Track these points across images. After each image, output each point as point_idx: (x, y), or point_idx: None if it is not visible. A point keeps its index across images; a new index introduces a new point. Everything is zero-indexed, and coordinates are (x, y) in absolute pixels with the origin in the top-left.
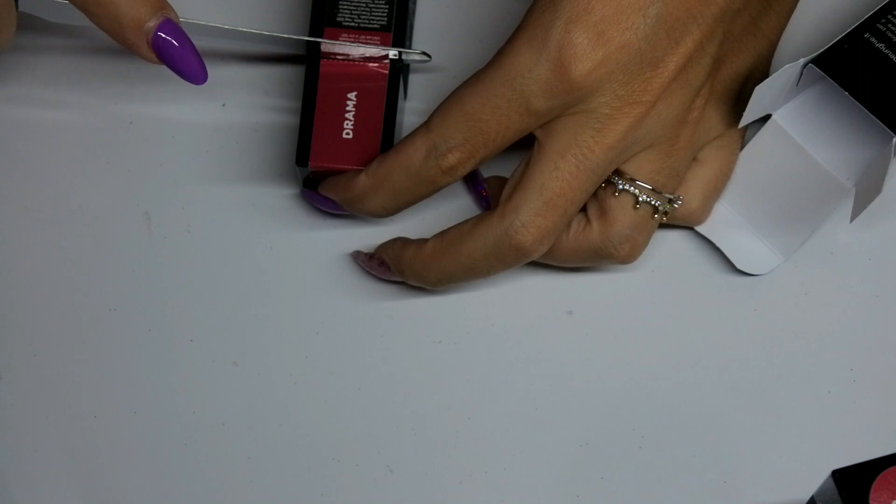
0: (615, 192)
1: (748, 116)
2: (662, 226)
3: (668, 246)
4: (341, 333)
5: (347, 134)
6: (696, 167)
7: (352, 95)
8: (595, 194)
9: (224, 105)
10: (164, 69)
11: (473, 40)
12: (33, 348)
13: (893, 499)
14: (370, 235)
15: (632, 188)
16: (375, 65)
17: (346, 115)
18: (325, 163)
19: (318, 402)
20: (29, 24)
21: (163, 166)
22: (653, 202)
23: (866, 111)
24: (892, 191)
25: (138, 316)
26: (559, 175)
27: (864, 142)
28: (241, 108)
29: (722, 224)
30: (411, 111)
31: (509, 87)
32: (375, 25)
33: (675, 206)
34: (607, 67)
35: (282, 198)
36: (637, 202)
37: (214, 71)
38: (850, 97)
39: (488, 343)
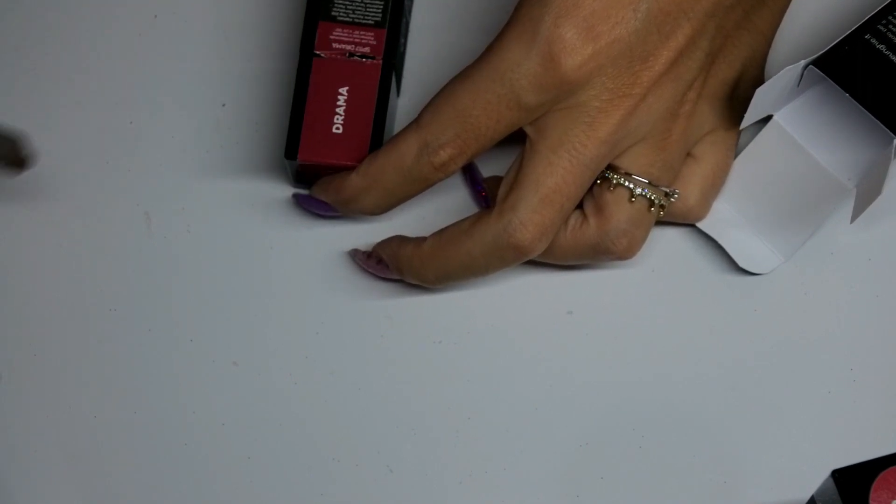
0: (610, 187)
1: (749, 118)
2: (664, 223)
3: (668, 246)
4: (341, 333)
5: (337, 129)
6: (693, 163)
7: (343, 90)
8: (591, 191)
9: (224, 105)
10: (164, 69)
11: (470, 38)
12: (33, 348)
13: (893, 499)
14: (370, 234)
15: (627, 182)
16: (368, 61)
17: (337, 111)
18: (314, 157)
19: (318, 402)
20: (29, 25)
21: (163, 166)
22: (649, 195)
23: (867, 113)
24: (892, 191)
25: (138, 316)
26: (553, 171)
27: (865, 143)
28: (241, 108)
29: (724, 223)
30: (405, 108)
31: (499, 83)
32: (370, 21)
33: (672, 199)
34: (597, 62)
35: (282, 198)
36: (633, 196)
37: (214, 71)
38: (851, 99)
39: (488, 343)
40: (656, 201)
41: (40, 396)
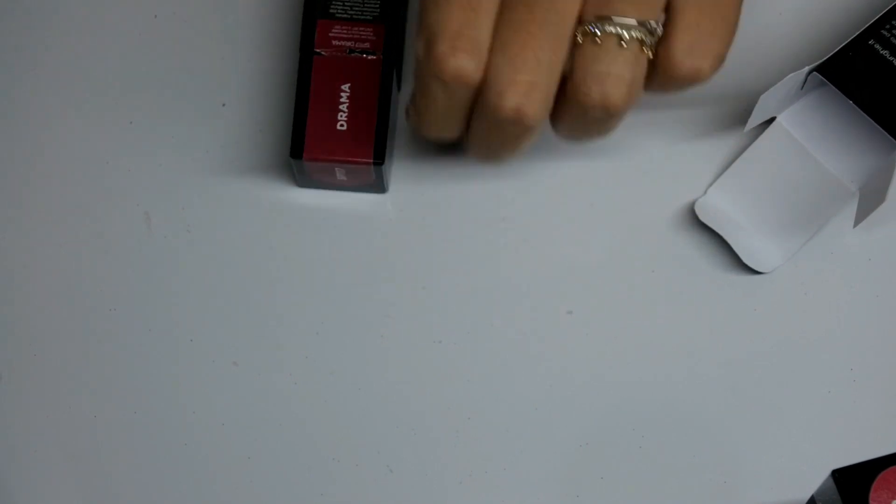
0: (584, 37)
1: (753, 121)
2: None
3: (668, 246)
4: (341, 333)
5: (342, 126)
6: (674, 13)
7: (345, 87)
8: (573, 51)
9: (224, 105)
10: (164, 69)
11: None
12: (33, 348)
13: (893, 499)
14: (370, 235)
15: (608, 27)
16: (369, 56)
17: (340, 107)
18: (319, 155)
19: (318, 402)
20: (29, 25)
21: (163, 166)
22: (632, 35)
23: (871, 120)
24: (893, 193)
25: (138, 316)
26: (518, 27)
27: (868, 147)
28: (241, 107)
29: (727, 221)
30: (405, 102)
31: None
32: (368, 17)
33: (657, 34)
34: None
35: (282, 198)
36: (622, 41)
37: (214, 71)
38: (855, 106)
39: (488, 343)
40: (647, 41)
41: (40, 396)
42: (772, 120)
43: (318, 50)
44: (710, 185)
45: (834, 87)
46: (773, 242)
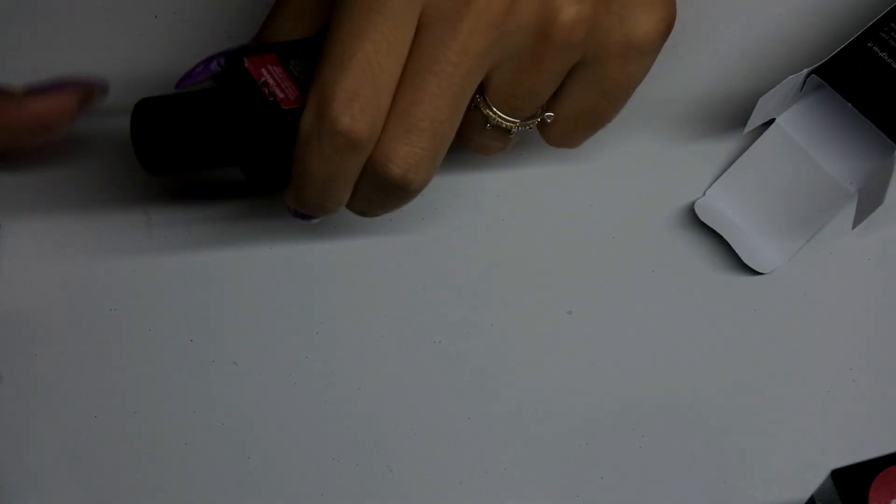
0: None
1: (752, 122)
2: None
3: (668, 246)
4: (341, 333)
5: None
6: (556, 100)
7: None
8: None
9: None
10: (164, 69)
11: None
12: (33, 348)
13: (893, 498)
14: (369, 235)
15: (485, 109)
16: None
17: None
18: None
19: (318, 402)
20: (29, 25)
21: None
22: (504, 126)
23: (869, 122)
24: (893, 192)
25: (138, 316)
26: (421, 98)
27: (867, 148)
28: None
29: (727, 222)
30: None
31: (357, 14)
32: None
33: (528, 127)
34: None
35: (282, 198)
36: (487, 123)
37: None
38: (854, 108)
39: (488, 343)
40: (512, 130)
41: (40, 396)
42: (771, 121)
43: None
44: (710, 185)
45: (833, 90)
46: (773, 243)
